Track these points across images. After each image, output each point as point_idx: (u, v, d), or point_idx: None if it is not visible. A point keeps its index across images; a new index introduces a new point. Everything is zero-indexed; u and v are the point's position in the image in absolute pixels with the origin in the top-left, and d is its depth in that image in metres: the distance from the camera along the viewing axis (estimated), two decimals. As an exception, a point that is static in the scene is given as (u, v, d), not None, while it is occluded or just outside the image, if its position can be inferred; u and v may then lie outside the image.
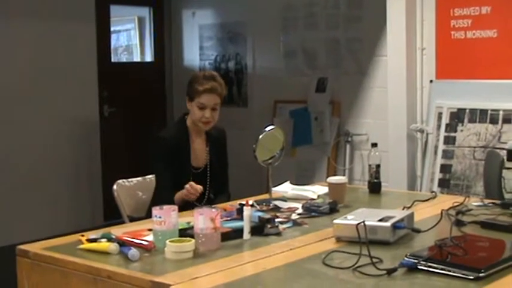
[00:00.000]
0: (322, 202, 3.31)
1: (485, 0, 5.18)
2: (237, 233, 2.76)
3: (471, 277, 2.14)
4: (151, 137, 3.99)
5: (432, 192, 3.85)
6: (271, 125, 3.81)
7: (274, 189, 3.64)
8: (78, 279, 2.48)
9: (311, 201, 3.38)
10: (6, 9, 6.53)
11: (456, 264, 2.20)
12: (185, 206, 3.63)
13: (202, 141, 3.99)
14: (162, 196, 3.83)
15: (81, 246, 2.67)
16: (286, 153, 3.72)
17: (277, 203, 3.39)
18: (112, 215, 5.74)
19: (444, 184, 5.18)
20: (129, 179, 4.14)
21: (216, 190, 4.02)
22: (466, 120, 5.16)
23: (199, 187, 3.68)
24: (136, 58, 8.15)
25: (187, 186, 3.68)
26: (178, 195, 3.77)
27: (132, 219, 3.88)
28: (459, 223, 2.91)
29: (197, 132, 3.98)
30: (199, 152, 3.97)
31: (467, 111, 5.17)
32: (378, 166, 3.77)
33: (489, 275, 2.17)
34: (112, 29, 7.66)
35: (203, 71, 3.90)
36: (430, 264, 2.24)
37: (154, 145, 3.92)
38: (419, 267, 2.24)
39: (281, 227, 2.93)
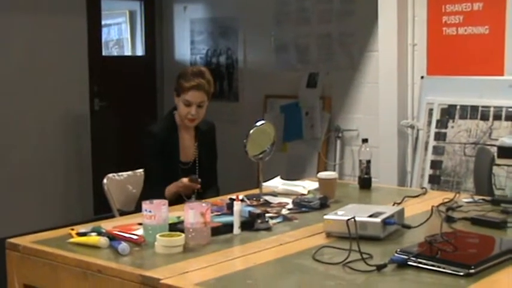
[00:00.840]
0: (313, 197, 3.31)
1: (477, -4, 5.20)
2: (227, 227, 2.76)
3: (461, 273, 2.15)
4: (141, 131, 3.98)
5: (422, 188, 3.85)
6: (262, 119, 3.80)
7: (264, 184, 3.64)
8: (68, 273, 2.47)
9: (301, 197, 3.38)
10: (-4, 2, 6.51)
11: (446, 260, 2.21)
12: (175, 201, 3.63)
13: (191, 136, 3.99)
14: (151, 190, 3.83)
15: (71, 240, 2.66)
16: (276, 148, 3.72)
17: (268, 198, 3.39)
18: (102, 209, 5.73)
19: (434, 180, 5.19)
20: (119, 173, 4.14)
21: (205, 185, 4.01)
22: (456, 116, 5.17)
23: (196, 186, 3.70)
24: (127, 52, 8.13)
25: (184, 179, 3.69)
26: (171, 187, 3.77)
27: (122, 213, 3.87)
28: (449, 219, 2.92)
29: (186, 127, 3.97)
30: (187, 146, 3.96)
31: (458, 107, 5.18)
32: (369, 162, 3.77)
33: (479, 272, 2.18)
34: (103, 22, 7.64)
35: (192, 66, 3.89)
36: (420, 260, 2.24)
37: (144, 139, 3.92)
38: (409, 263, 2.25)
39: (271, 222, 2.93)
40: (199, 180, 3.79)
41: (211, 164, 4.09)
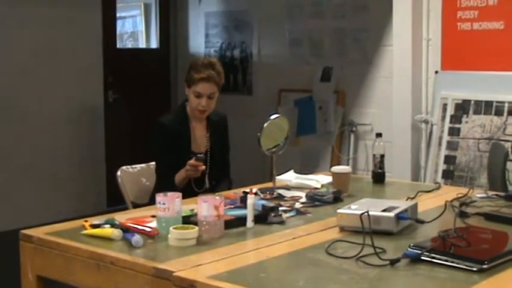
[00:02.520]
0: (326, 191, 3.30)
1: (493, -9, 5.17)
2: (241, 221, 2.76)
3: (474, 269, 2.14)
4: (152, 122, 3.99)
5: (436, 183, 3.84)
6: (276, 113, 3.80)
7: (278, 177, 3.63)
8: (81, 264, 2.48)
9: (315, 190, 3.37)
10: (12, -6, 6.53)
11: (459, 255, 2.20)
12: (188, 193, 3.63)
13: (202, 127, 3.98)
14: (162, 181, 3.85)
15: (85, 231, 2.67)
16: (290, 142, 3.71)
17: (281, 191, 3.38)
18: (115, 201, 5.74)
19: (448, 175, 5.17)
20: (133, 166, 4.14)
21: (217, 176, 4.02)
22: (471, 111, 5.14)
23: (201, 165, 3.70)
24: (142, 45, 8.13)
25: (190, 161, 3.70)
26: (180, 173, 3.78)
27: (136, 206, 3.88)
28: (463, 215, 2.90)
29: (198, 118, 3.97)
30: (199, 137, 3.96)
31: (472, 102, 5.15)
32: (382, 156, 3.76)
33: (492, 267, 2.16)
34: (118, 15, 7.65)
35: (203, 57, 3.88)
36: (433, 255, 2.23)
37: (155, 130, 3.93)
38: (423, 258, 2.24)
39: (284, 215, 2.92)
40: (203, 156, 3.78)
41: (223, 156, 4.09)
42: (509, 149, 3.81)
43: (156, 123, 3.93)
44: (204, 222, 2.58)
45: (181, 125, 3.91)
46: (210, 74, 3.85)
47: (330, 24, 6.45)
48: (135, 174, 4.12)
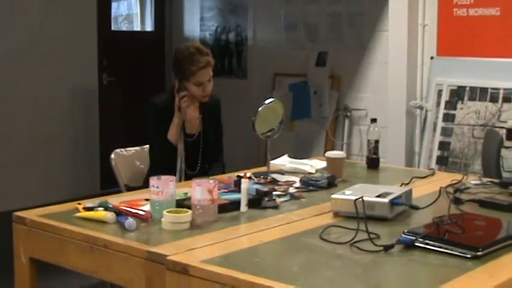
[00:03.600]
0: (320, 176, 3.30)
1: (489, -23, 5.15)
2: (234, 205, 2.75)
3: (468, 255, 2.13)
4: (146, 103, 3.96)
5: (430, 169, 3.84)
6: (271, 97, 3.78)
7: (272, 162, 3.62)
8: (75, 247, 2.47)
9: (309, 175, 3.36)
10: (7, -26, 6.48)
11: (454, 242, 2.19)
12: (183, 177, 3.63)
13: (195, 108, 3.94)
14: (157, 162, 3.84)
15: (78, 214, 2.65)
16: (284, 127, 3.70)
17: (275, 176, 3.37)
18: (109, 184, 5.72)
19: (442, 161, 5.17)
20: (127, 149, 4.12)
21: (210, 159, 4.01)
22: (466, 98, 5.14)
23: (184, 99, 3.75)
24: (137, 27, 8.09)
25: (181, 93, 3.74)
26: (171, 129, 3.78)
27: (129, 189, 3.86)
28: (457, 201, 2.90)
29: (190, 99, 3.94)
30: (192, 118, 3.92)
31: (467, 89, 5.15)
32: (377, 142, 3.75)
33: (486, 254, 2.16)
34: (113, -3, 7.61)
35: (186, 46, 3.80)
36: (427, 241, 2.22)
37: (148, 111, 3.90)
38: (417, 244, 2.23)
39: (278, 200, 2.92)
40: (184, 93, 3.79)
41: (216, 138, 4.07)
42: (504, 136, 3.79)
43: (150, 103, 3.91)
44: (198, 206, 2.57)
45: (173, 107, 3.88)
46: (206, 60, 3.82)
47: (326, 9, 6.43)
48: (129, 157, 4.10)
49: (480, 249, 2.15)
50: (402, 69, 5.46)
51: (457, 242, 2.19)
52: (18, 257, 2.70)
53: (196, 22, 7.63)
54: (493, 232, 2.46)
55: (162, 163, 3.75)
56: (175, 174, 3.66)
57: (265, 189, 2.93)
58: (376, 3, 5.97)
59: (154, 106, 3.88)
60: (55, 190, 6.69)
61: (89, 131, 7.19)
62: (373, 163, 3.76)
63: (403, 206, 2.68)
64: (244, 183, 2.75)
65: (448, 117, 5.20)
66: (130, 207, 2.65)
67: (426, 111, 5.40)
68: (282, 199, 2.96)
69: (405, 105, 5.46)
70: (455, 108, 5.18)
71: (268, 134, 3.56)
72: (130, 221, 2.47)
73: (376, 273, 2.10)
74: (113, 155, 4.01)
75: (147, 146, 4.12)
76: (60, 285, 4.53)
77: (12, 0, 6.53)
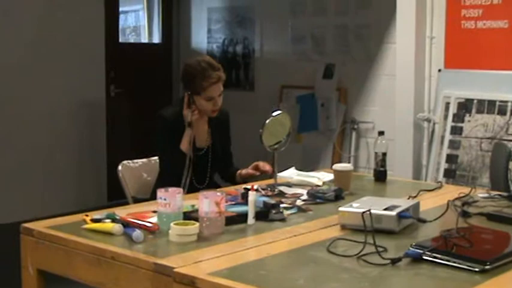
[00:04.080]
0: (328, 189, 3.30)
1: (497, -10, 5.15)
2: (242, 217, 2.75)
3: (476, 269, 2.13)
4: (154, 115, 3.96)
5: (438, 182, 3.83)
6: (278, 110, 3.78)
7: (279, 174, 3.62)
8: (82, 259, 2.48)
9: (316, 188, 3.37)
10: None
11: (461, 255, 2.19)
12: (190, 189, 3.63)
13: (204, 121, 3.94)
14: (165, 174, 3.85)
15: (85, 226, 2.66)
16: (291, 139, 3.70)
17: (282, 188, 3.38)
18: (116, 195, 5.74)
19: (450, 174, 5.16)
20: (134, 160, 4.14)
21: (221, 168, 4.04)
22: (473, 110, 5.13)
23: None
24: (144, 39, 8.12)
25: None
26: (184, 142, 3.79)
27: (136, 201, 3.87)
28: (465, 214, 2.89)
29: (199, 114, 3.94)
30: (201, 132, 3.92)
31: (475, 101, 5.14)
32: (384, 154, 3.75)
33: (495, 268, 2.16)
34: (120, 9, 7.63)
35: (197, 60, 3.77)
36: (435, 255, 2.22)
37: (156, 123, 3.89)
38: (424, 257, 2.23)
39: (286, 212, 2.92)
40: (194, 109, 3.80)
41: (226, 148, 4.08)
42: (512, 149, 3.79)
43: (158, 116, 3.91)
44: (205, 219, 2.58)
45: (182, 119, 3.87)
46: (218, 75, 3.81)
47: (333, 21, 6.45)
48: (136, 169, 4.11)
49: (488, 263, 2.14)
50: (410, 82, 5.46)
51: (465, 255, 2.19)
52: (25, 268, 2.71)
53: (204, 34, 7.65)
54: (502, 246, 2.45)
55: (172, 175, 3.74)
56: (184, 187, 3.65)
57: (273, 201, 2.93)
58: (383, 15, 5.98)
59: (162, 119, 3.87)
60: (62, 201, 6.71)
61: (96, 142, 7.20)
62: (380, 176, 3.76)
63: (410, 219, 2.68)
64: (252, 196, 2.76)
65: (456, 130, 5.19)
66: (138, 219, 2.65)
67: (434, 123, 5.40)
68: (289, 212, 2.96)
69: (413, 117, 5.45)
70: (463, 121, 5.17)
71: (276, 146, 3.56)
72: (137, 233, 2.48)
73: (384, 287, 2.10)
74: (120, 167, 4.02)
75: (155, 158, 4.13)
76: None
77: (19, 12, 6.55)
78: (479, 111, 5.10)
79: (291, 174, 3.71)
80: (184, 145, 3.78)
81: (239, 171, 3.96)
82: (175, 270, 2.17)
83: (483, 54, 5.24)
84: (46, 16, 6.75)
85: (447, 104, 5.27)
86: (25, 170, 6.64)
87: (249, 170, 3.86)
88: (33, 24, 6.65)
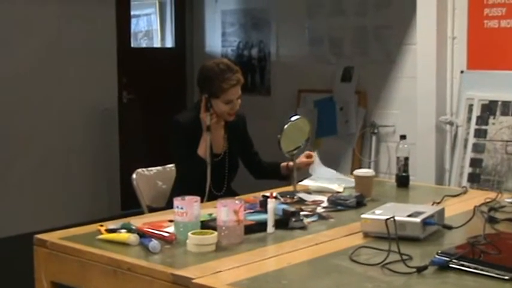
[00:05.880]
0: (349, 195, 3.29)
1: (521, -13, 5.12)
2: (261, 226, 2.75)
3: (506, 277, 2.11)
4: (169, 121, 3.95)
5: (463, 187, 3.81)
6: (296, 114, 3.78)
7: (300, 183, 3.62)
8: (97, 270, 2.48)
9: (337, 194, 3.36)
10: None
11: (490, 263, 2.17)
12: (208, 196, 3.63)
13: (220, 127, 3.93)
14: (182, 181, 3.84)
15: (100, 236, 2.67)
16: (309, 144, 3.70)
17: (302, 195, 3.37)
18: (129, 204, 5.75)
19: (474, 179, 5.13)
20: (149, 168, 4.13)
21: (252, 169, 4.11)
22: (498, 112, 5.10)
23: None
24: (157, 44, 8.15)
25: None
26: (201, 146, 3.79)
27: (151, 209, 3.87)
28: (492, 220, 2.88)
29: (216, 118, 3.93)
30: (217, 138, 3.91)
31: (499, 103, 5.11)
32: (407, 159, 3.74)
33: (525, 275, 2.14)
34: (132, 13, 7.66)
35: (215, 63, 3.78)
36: (462, 262, 2.21)
37: (172, 129, 3.89)
38: (451, 265, 2.22)
39: (306, 220, 2.91)
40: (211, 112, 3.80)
41: (250, 150, 4.11)
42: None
43: (173, 121, 3.90)
44: (224, 227, 2.57)
45: (198, 124, 3.86)
46: (237, 77, 3.81)
47: (351, 22, 6.43)
48: (151, 177, 4.11)
49: (518, 271, 2.13)
50: (431, 84, 5.43)
51: (493, 263, 2.17)
52: (39, 280, 2.71)
53: (218, 38, 7.66)
54: (531, 252, 2.43)
55: (190, 182, 3.74)
56: (201, 195, 3.65)
57: (292, 209, 2.93)
58: (403, 15, 5.96)
59: (178, 124, 3.86)
60: (75, 211, 6.72)
61: (109, 150, 7.22)
62: (402, 181, 3.75)
63: (435, 225, 2.67)
64: (271, 203, 2.75)
65: (480, 133, 5.16)
66: (154, 229, 2.66)
67: (457, 126, 5.37)
68: (309, 219, 2.96)
69: (435, 121, 5.43)
70: (487, 124, 5.14)
71: (295, 152, 3.56)
72: (154, 243, 2.48)
73: (410, 296, 2.09)
74: (134, 175, 4.03)
75: (170, 165, 4.12)
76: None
77: (29, 17, 6.58)
78: (503, 113, 5.07)
79: (311, 180, 3.71)
80: (202, 150, 3.78)
81: (283, 164, 3.93)
82: (193, 281, 2.17)
83: (507, 54, 5.21)
84: (58, 22, 6.77)
85: (470, 106, 5.24)
86: (36, 180, 6.66)
87: (302, 159, 3.84)
88: (45, 30, 6.68)
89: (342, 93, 6.42)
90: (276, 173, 4.00)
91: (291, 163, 3.81)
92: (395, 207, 2.83)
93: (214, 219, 2.67)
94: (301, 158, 3.83)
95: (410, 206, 2.90)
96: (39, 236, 2.73)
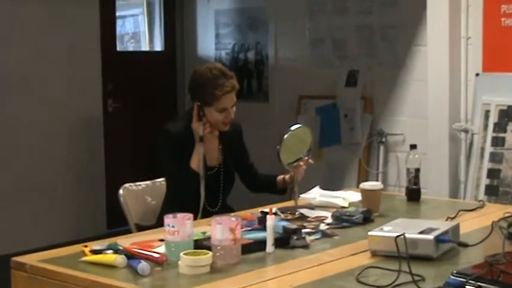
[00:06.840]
0: (355, 211, 3.30)
1: (541, -18, 5.14)
2: (259, 245, 2.75)
3: (527, 299, 2.12)
4: (157, 131, 3.95)
5: (479, 201, 3.82)
6: (297, 123, 3.78)
7: (302, 195, 3.62)
8: (81, 295, 2.48)
9: (342, 210, 3.36)
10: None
11: (510, 284, 2.17)
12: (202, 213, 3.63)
13: (214, 137, 3.94)
14: (173, 196, 3.84)
15: (84, 258, 2.67)
16: (312, 155, 3.70)
17: (304, 211, 3.38)
18: (116, 222, 5.75)
19: (492, 191, 5.13)
20: (137, 183, 4.13)
21: (248, 182, 4.10)
22: (517, 119, 5.12)
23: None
24: (145, 47, 8.16)
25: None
26: (194, 159, 3.79)
27: (140, 228, 3.87)
28: None
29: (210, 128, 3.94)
30: (211, 149, 3.92)
31: (518, 108, 5.13)
32: (418, 170, 3.75)
33: (548, 297, 2.15)
34: (117, 14, 7.68)
35: (208, 68, 3.78)
36: (479, 284, 2.21)
37: (160, 140, 3.89)
38: (468, 287, 2.21)
39: (308, 238, 2.92)
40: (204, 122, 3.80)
41: (246, 162, 4.11)
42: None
43: (163, 131, 3.90)
44: (219, 247, 2.58)
45: (190, 135, 3.86)
46: (231, 84, 3.81)
47: (356, 21, 6.45)
48: (139, 193, 4.11)
49: (541, 292, 2.13)
50: (444, 88, 5.45)
51: (514, 284, 2.18)
52: (17, 307, 2.71)
53: (211, 40, 7.67)
54: (554, 272, 2.43)
55: (182, 197, 3.74)
56: (194, 211, 3.64)
57: (294, 226, 2.94)
58: (412, 14, 5.98)
59: (168, 134, 3.87)
60: (57, 230, 6.72)
61: (94, 163, 7.22)
62: (413, 195, 3.76)
63: (450, 243, 2.67)
64: (270, 220, 2.76)
65: (498, 141, 5.17)
66: (143, 249, 2.66)
67: (472, 134, 5.38)
68: (312, 237, 2.96)
69: (448, 128, 5.44)
70: (505, 131, 5.15)
71: (295, 164, 3.56)
72: (143, 265, 2.48)
73: (423, 321, 2.09)
74: (121, 191, 4.02)
75: (160, 180, 4.12)
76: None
77: (8, 17, 6.58)
78: (523, 120, 5.09)
79: (316, 194, 3.70)
80: (195, 163, 3.78)
81: (280, 177, 3.94)
82: (186, 306, 2.17)
83: (526, 56, 5.24)
84: (38, 23, 6.77)
85: (487, 112, 5.25)
86: (16, 195, 6.65)
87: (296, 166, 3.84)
88: (24, 33, 6.68)
89: (346, 99, 6.43)
90: (272, 187, 4.00)
91: (287, 176, 3.81)
92: (406, 223, 2.84)
93: (209, 238, 2.67)
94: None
95: (422, 221, 2.91)
96: (17, 258, 2.73)
